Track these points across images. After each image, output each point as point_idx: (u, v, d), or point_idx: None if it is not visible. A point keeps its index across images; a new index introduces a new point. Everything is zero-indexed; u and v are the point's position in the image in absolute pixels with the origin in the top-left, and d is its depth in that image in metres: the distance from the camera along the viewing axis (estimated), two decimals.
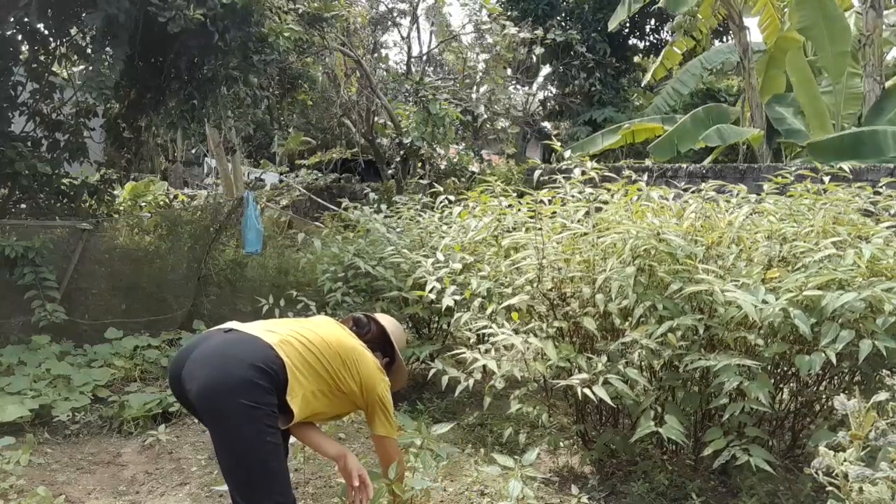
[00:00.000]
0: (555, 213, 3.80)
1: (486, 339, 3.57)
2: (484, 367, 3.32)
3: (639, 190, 3.68)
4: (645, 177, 3.94)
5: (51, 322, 5.09)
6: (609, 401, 2.97)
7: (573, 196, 3.81)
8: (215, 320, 5.97)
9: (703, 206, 3.40)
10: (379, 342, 2.76)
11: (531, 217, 3.84)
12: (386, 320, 2.86)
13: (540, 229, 3.54)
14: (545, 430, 3.96)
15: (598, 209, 3.66)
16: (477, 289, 3.76)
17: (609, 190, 3.76)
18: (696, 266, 3.01)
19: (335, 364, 2.47)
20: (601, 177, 3.88)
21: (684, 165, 9.88)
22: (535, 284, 3.48)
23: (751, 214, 3.47)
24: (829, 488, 2.17)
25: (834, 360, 2.66)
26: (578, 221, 3.61)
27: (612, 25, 14.46)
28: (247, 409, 2.22)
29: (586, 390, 2.94)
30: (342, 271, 4.85)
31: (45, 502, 3.26)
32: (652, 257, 3.22)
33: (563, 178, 3.98)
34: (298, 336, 2.45)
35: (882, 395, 2.42)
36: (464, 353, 3.41)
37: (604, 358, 3.13)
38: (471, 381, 3.35)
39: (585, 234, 3.48)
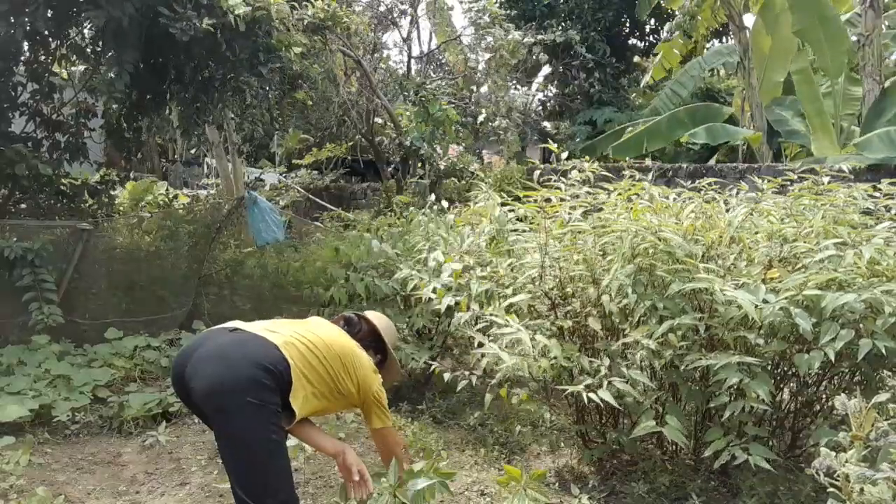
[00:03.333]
0: (556, 212, 3.80)
1: (487, 334, 3.57)
2: (484, 368, 3.33)
3: (642, 189, 3.68)
4: (649, 176, 3.94)
5: (47, 325, 5.09)
6: (615, 403, 2.97)
7: (574, 195, 3.81)
8: (215, 320, 5.96)
9: (702, 206, 3.40)
10: (370, 340, 2.80)
11: (534, 214, 3.85)
12: (376, 318, 2.90)
13: (545, 228, 3.55)
14: (546, 430, 3.97)
15: (599, 209, 3.67)
16: (476, 291, 3.77)
17: (607, 190, 3.76)
18: (696, 265, 3.01)
19: (335, 367, 2.50)
20: (600, 176, 3.89)
21: (684, 165, 9.90)
22: (537, 283, 3.48)
23: (750, 214, 3.47)
24: (830, 489, 2.17)
25: (833, 359, 2.67)
26: (577, 220, 3.61)
27: (642, 15, 14.61)
28: (252, 406, 2.24)
29: (592, 395, 2.95)
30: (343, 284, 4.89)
31: (45, 502, 3.26)
32: (651, 256, 3.22)
33: (562, 178, 3.98)
34: (301, 338, 2.47)
35: (883, 396, 2.43)
36: (470, 354, 3.43)
37: (606, 360, 3.13)
38: (473, 378, 3.36)
39: (585, 232, 3.48)
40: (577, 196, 3.79)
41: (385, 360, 2.84)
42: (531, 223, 4.02)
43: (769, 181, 3.76)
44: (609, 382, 3.00)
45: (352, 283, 4.77)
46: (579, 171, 3.92)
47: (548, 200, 3.79)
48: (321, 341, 2.51)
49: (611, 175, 3.94)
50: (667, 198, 3.62)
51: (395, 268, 4.74)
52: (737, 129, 11.84)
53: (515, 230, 4.15)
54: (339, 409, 2.89)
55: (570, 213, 3.69)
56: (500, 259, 3.99)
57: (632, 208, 3.46)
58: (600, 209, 3.68)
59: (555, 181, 3.94)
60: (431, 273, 4.28)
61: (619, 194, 3.66)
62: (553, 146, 4.39)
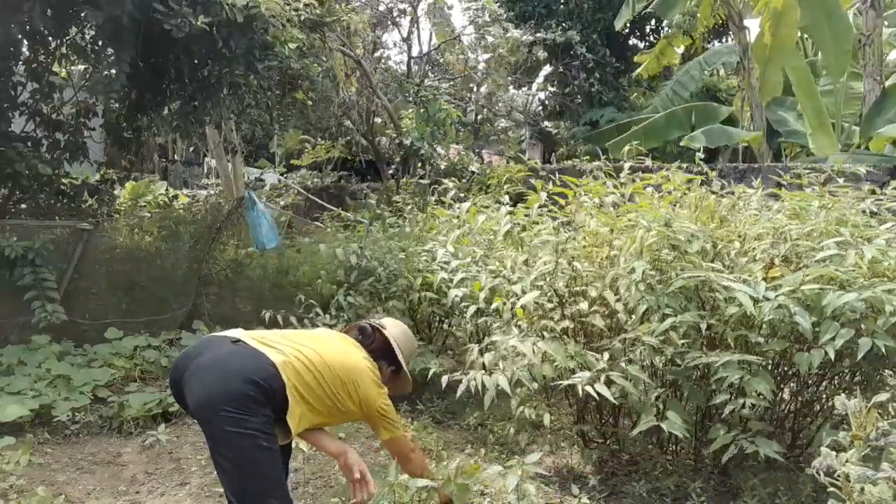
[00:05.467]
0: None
1: (485, 338, 3.58)
2: (485, 366, 3.33)
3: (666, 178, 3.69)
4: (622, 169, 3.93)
5: (51, 322, 5.09)
6: (611, 398, 2.97)
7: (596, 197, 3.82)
8: (215, 320, 5.96)
9: (731, 202, 3.41)
10: (383, 352, 2.77)
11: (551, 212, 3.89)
12: (393, 328, 2.85)
13: (566, 225, 3.57)
14: (546, 430, 3.96)
15: (616, 205, 3.68)
16: (484, 282, 3.79)
17: (621, 183, 3.77)
18: (702, 264, 3.01)
19: (335, 387, 2.49)
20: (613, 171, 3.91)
21: (685, 166, 9.86)
22: (548, 279, 3.47)
23: (758, 213, 3.48)
24: (830, 489, 2.17)
25: (833, 357, 2.67)
26: (593, 217, 3.62)
27: (619, 25, 14.43)
28: (238, 418, 2.26)
29: (588, 388, 2.95)
30: (345, 273, 4.89)
31: (45, 502, 3.26)
32: (659, 252, 3.22)
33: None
34: (300, 356, 2.46)
35: (883, 396, 2.43)
36: (467, 363, 3.45)
37: (606, 355, 3.13)
38: (472, 385, 3.36)
39: (601, 231, 3.49)
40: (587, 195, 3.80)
41: (398, 372, 2.80)
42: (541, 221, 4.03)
43: (776, 179, 3.77)
44: (607, 378, 3.00)
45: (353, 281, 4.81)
46: (576, 169, 3.93)
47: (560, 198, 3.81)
48: (321, 360, 2.49)
49: (612, 175, 3.94)
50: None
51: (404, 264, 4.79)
52: (736, 131, 11.81)
53: (536, 223, 4.16)
54: (341, 423, 2.90)
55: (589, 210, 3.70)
56: (512, 253, 4.01)
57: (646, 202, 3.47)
58: (617, 204, 3.69)
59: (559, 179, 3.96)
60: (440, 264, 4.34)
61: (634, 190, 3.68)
62: (609, 142, 4.41)
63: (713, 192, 3.65)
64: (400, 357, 2.78)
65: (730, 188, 3.85)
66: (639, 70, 16.46)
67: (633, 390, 3.03)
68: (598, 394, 2.95)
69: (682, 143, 11.37)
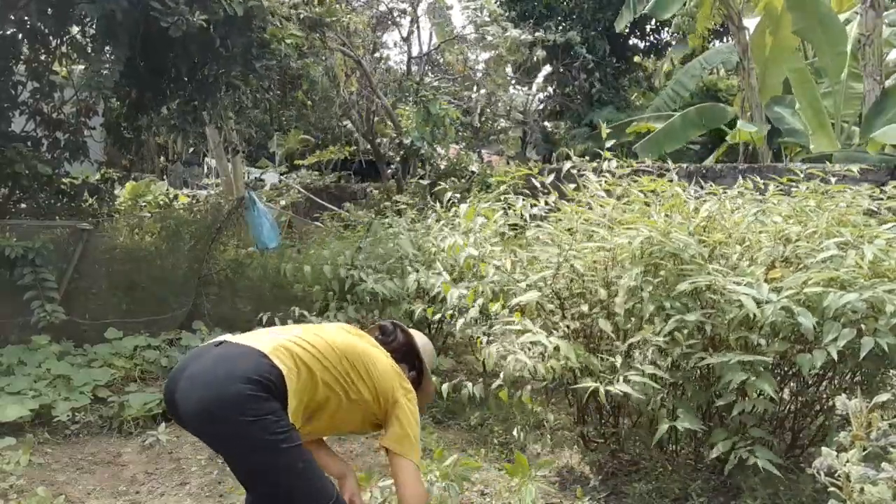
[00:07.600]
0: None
1: (489, 334, 3.59)
2: (484, 367, 3.34)
3: (658, 191, 3.68)
4: (675, 175, 3.89)
5: (50, 322, 5.08)
6: (634, 393, 2.95)
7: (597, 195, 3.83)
8: (215, 320, 5.96)
9: (716, 207, 3.41)
10: (404, 352, 2.49)
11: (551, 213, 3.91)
12: (415, 333, 2.60)
13: (569, 228, 3.57)
14: (547, 430, 3.96)
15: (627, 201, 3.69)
16: (491, 280, 3.80)
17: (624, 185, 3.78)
18: (704, 265, 3.01)
19: (341, 368, 2.22)
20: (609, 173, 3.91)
21: (684, 165, 9.88)
22: (548, 281, 3.47)
23: (756, 214, 3.48)
24: (831, 489, 2.17)
25: (836, 357, 2.67)
26: (589, 221, 3.63)
27: (619, 26, 14.46)
28: (249, 424, 2.00)
29: (610, 388, 2.97)
30: (338, 284, 4.91)
31: (45, 502, 3.26)
32: (659, 258, 3.22)
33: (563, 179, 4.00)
34: (298, 341, 2.22)
35: (884, 396, 2.43)
36: (470, 353, 3.47)
37: (618, 358, 3.13)
38: (477, 389, 3.37)
39: (599, 233, 3.50)
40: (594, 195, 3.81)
41: (421, 377, 2.50)
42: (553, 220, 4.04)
43: (774, 178, 3.77)
44: (625, 377, 3.01)
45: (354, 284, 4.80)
46: (574, 170, 3.94)
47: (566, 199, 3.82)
48: (323, 342, 2.23)
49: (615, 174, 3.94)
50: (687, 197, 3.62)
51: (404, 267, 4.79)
52: (747, 125, 11.84)
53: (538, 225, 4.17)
54: (354, 424, 2.41)
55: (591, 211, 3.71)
56: (515, 252, 4.02)
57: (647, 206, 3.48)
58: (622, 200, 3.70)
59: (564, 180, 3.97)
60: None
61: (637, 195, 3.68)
62: (605, 129, 4.44)
63: (683, 189, 3.66)
64: (423, 356, 2.50)
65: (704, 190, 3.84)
66: (660, 79, 16.53)
67: (656, 385, 3.00)
68: (607, 393, 2.96)
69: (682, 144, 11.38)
